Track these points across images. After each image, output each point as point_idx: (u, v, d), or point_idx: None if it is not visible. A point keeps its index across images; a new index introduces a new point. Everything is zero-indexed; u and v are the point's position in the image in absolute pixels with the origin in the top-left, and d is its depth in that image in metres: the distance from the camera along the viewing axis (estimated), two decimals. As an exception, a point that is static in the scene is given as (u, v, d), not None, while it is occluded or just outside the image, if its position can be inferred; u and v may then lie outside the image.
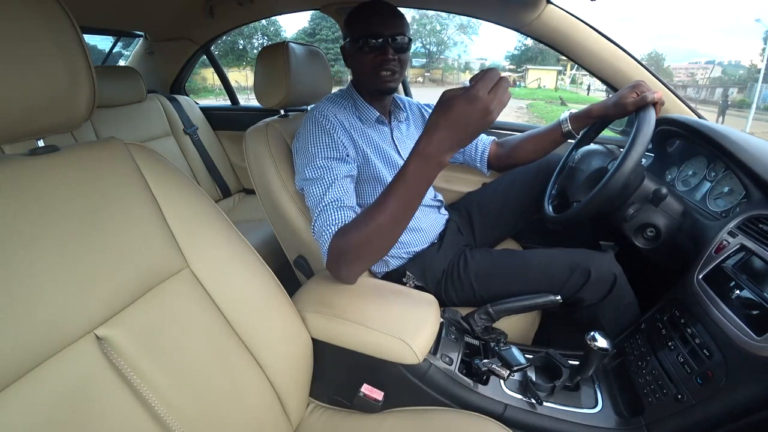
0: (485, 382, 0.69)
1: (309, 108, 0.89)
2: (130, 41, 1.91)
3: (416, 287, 0.92)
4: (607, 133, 1.05)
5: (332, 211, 0.71)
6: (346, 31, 0.87)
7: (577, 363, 0.70)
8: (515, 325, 0.88)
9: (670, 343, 0.70)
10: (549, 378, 0.70)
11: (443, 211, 1.08)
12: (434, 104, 1.03)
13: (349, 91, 0.91)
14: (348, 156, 0.80)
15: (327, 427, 0.65)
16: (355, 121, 0.88)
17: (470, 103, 0.51)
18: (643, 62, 1.06)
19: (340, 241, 0.67)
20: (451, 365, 0.68)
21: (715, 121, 1.09)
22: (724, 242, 0.71)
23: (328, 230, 0.69)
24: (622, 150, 0.76)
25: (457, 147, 0.55)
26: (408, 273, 0.93)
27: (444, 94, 0.55)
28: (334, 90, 0.99)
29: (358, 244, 0.65)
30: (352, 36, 0.84)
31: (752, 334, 0.58)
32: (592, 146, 0.99)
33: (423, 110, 1.08)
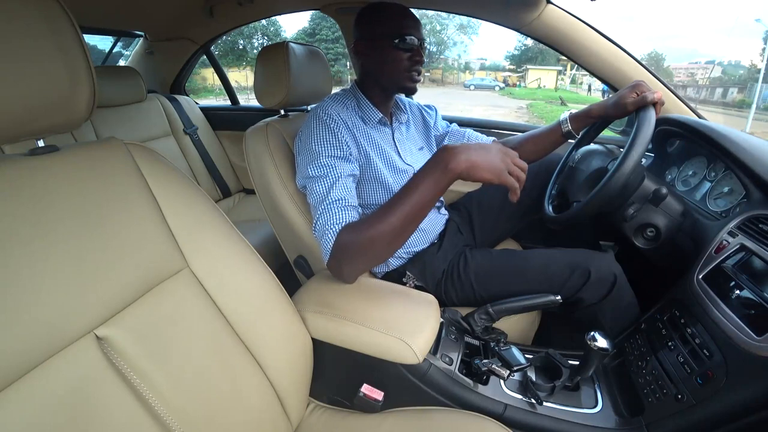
0: (485, 382, 0.69)
1: (310, 108, 0.89)
2: (130, 41, 1.91)
3: (416, 287, 0.92)
4: (607, 133, 1.05)
5: (336, 210, 0.71)
6: (370, 28, 0.86)
7: (577, 363, 0.70)
8: (515, 325, 0.87)
9: (670, 343, 0.70)
10: (549, 378, 0.70)
11: (443, 211, 1.08)
12: (434, 106, 1.04)
13: (352, 91, 0.91)
14: (351, 155, 0.80)
15: (327, 427, 0.65)
16: (358, 121, 0.87)
17: (495, 144, 0.62)
18: (643, 62, 1.06)
19: (346, 239, 0.67)
20: (451, 365, 0.68)
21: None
22: (724, 242, 0.71)
23: (331, 229, 0.69)
24: (622, 150, 0.76)
25: (470, 164, 0.60)
26: (408, 273, 0.93)
27: None
28: (335, 90, 0.99)
29: (364, 242, 0.65)
30: (383, 32, 0.83)
31: (752, 334, 0.58)
32: (592, 146, 0.99)
33: (423, 111, 1.08)
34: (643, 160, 1.06)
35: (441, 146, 0.62)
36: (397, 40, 0.82)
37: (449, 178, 0.61)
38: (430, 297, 0.73)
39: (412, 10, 0.88)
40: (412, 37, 0.83)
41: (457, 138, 1.10)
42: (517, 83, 30.75)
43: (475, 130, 1.14)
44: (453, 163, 0.59)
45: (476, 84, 28.35)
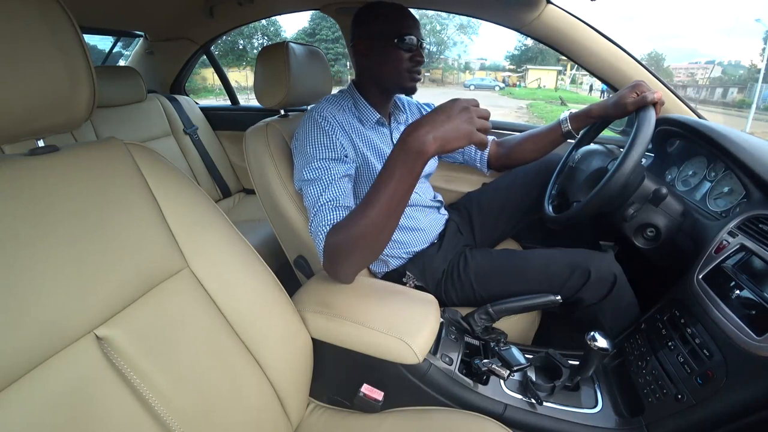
0: (485, 382, 0.69)
1: (308, 108, 0.89)
2: (130, 41, 1.91)
3: (416, 287, 0.92)
4: (607, 133, 1.05)
5: (327, 210, 0.70)
6: (364, 28, 0.86)
7: (577, 363, 0.70)
8: (515, 325, 0.88)
9: (670, 343, 0.70)
10: (549, 378, 0.70)
11: (443, 211, 1.08)
12: (433, 104, 1.04)
13: (350, 92, 0.91)
14: (347, 156, 0.80)
15: (327, 427, 0.65)
16: (355, 122, 0.87)
17: (454, 103, 0.60)
18: (643, 62, 1.06)
19: (334, 238, 0.67)
20: (451, 365, 0.68)
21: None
22: (724, 242, 0.71)
23: (323, 230, 0.69)
24: (622, 150, 0.76)
25: (440, 141, 0.58)
26: (408, 273, 0.93)
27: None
28: (334, 90, 0.99)
29: (350, 239, 0.65)
30: (382, 32, 0.83)
31: (752, 334, 0.58)
32: (592, 146, 0.99)
33: (422, 109, 1.08)
34: (643, 160, 1.06)
35: (404, 130, 0.60)
36: (397, 40, 0.82)
37: (423, 161, 0.59)
38: (430, 297, 0.73)
39: (411, 10, 0.88)
40: (412, 37, 0.83)
41: None
42: (517, 83, 30.75)
43: None
44: (423, 146, 0.57)
45: (476, 84, 28.33)
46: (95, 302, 0.42)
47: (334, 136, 0.79)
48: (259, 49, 1.22)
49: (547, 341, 0.87)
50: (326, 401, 0.71)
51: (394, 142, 0.94)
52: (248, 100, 2.26)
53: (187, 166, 1.70)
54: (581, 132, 0.97)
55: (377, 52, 0.85)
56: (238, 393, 0.53)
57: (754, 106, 14.33)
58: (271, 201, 0.88)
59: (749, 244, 0.67)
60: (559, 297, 0.80)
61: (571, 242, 0.96)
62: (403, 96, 1.05)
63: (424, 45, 0.87)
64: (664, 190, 0.79)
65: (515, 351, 0.67)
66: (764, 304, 0.59)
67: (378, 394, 0.65)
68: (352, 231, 0.64)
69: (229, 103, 2.03)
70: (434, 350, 0.69)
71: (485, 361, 0.67)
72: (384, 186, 0.61)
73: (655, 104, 0.80)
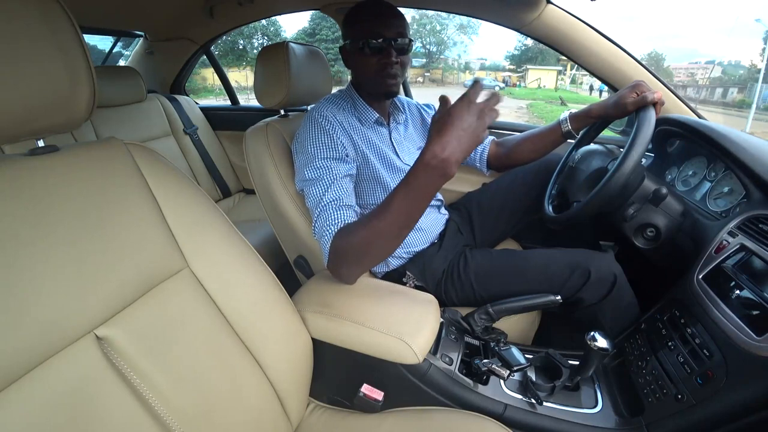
0: (485, 382, 0.69)
1: (308, 108, 0.89)
2: (130, 41, 1.91)
3: (416, 287, 0.92)
4: (607, 133, 1.05)
5: (332, 210, 0.71)
6: (345, 32, 0.87)
7: (577, 363, 0.70)
8: (515, 325, 0.88)
9: (670, 343, 0.70)
10: (549, 378, 0.70)
11: (443, 210, 1.08)
12: (433, 105, 1.03)
13: (348, 92, 0.91)
14: (348, 156, 0.80)
15: (327, 427, 0.65)
16: (354, 122, 0.87)
17: (470, 108, 0.55)
18: (643, 62, 1.06)
19: (342, 242, 0.67)
20: (451, 365, 0.68)
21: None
22: (724, 242, 0.71)
23: (328, 230, 0.69)
24: (622, 150, 0.76)
25: (461, 154, 0.55)
26: (408, 273, 0.93)
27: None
28: (334, 90, 0.99)
29: (359, 246, 0.65)
30: (352, 37, 0.83)
31: (752, 334, 0.58)
32: (592, 146, 0.99)
33: (422, 111, 1.08)
34: (643, 160, 1.06)
35: (428, 149, 0.55)
36: (360, 44, 0.81)
37: (446, 181, 0.57)
38: (430, 297, 0.73)
39: (406, 9, 0.87)
40: (379, 40, 0.79)
41: None
42: (517, 83, 30.77)
43: None
44: (449, 170, 0.55)
45: (476, 84, 28.24)
46: (95, 302, 0.42)
47: (335, 135, 0.79)
48: (259, 49, 1.22)
49: (547, 341, 0.87)
50: (326, 401, 0.71)
51: (393, 142, 0.94)
52: (248, 100, 2.26)
53: (187, 166, 1.70)
54: (581, 132, 0.97)
55: (352, 57, 0.85)
56: (238, 393, 0.53)
57: (754, 106, 14.34)
58: (271, 201, 0.88)
59: (749, 244, 0.67)
60: (559, 297, 0.80)
61: (571, 242, 0.96)
62: (402, 96, 1.05)
63: (406, 42, 0.82)
64: (664, 190, 0.79)
65: (515, 351, 0.67)
66: (764, 304, 0.59)
67: (378, 394, 0.65)
68: (361, 238, 0.64)
69: (229, 103, 2.03)
70: (434, 350, 0.69)
71: (485, 361, 0.67)
72: (401, 200, 0.60)
73: (655, 104, 0.80)
